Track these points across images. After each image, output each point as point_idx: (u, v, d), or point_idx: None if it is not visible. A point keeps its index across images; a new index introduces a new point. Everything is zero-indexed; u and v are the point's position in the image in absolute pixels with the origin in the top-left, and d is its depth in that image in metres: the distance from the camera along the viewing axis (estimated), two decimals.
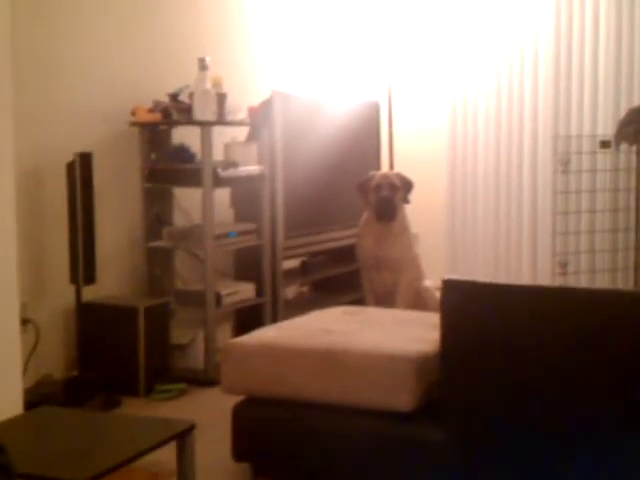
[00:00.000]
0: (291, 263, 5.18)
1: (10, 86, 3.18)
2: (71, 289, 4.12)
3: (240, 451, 3.17)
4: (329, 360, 3.04)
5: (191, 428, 2.30)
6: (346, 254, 5.23)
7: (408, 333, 3.23)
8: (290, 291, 5.40)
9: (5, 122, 3.17)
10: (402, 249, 4.64)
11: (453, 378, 2.82)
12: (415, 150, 5.99)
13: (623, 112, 5.17)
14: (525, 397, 2.71)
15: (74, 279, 4.09)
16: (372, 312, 3.85)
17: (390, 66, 5.99)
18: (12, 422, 2.26)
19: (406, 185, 4.68)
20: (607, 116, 5.50)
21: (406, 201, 4.69)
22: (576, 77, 5.60)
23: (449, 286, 2.85)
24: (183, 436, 2.28)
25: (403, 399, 2.91)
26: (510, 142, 5.81)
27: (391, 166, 5.87)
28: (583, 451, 2.64)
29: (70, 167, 4.06)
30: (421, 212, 5.35)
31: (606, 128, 5.42)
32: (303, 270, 5.32)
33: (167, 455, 2.41)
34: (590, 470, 2.63)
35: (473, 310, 2.81)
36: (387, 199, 4.60)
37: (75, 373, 4.14)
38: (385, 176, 4.72)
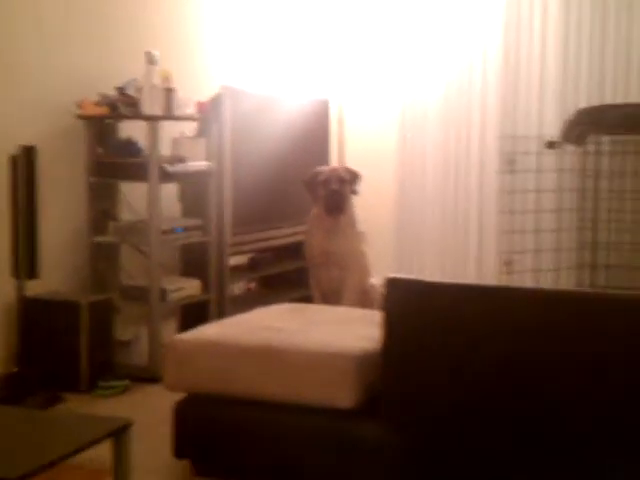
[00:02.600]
0: (239, 259, 5.16)
1: None
2: (13, 284, 4.05)
3: (181, 448, 3.15)
4: (271, 357, 3.03)
5: (127, 426, 2.27)
6: (294, 251, 5.23)
7: (352, 331, 3.23)
8: (237, 287, 5.38)
9: None
10: (351, 244, 4.65)
11: (394, 376, 2.84)
12: (364, 148, 6.00)
13: (570, 113, 5.23)
14: (465, 396, 2.73)
15: (16, 273, 4.03)
16: (317, 309, 3.85)
17: (340, 63, 5.99)
18: None
19: (353, 177, 4.70)
20: (554, 117, 5.57)
21: (354, 192, 4.70)
22: (523, 77, 5.66)
23: (392, 284, 2.86)
24: (118, 434, 2.26)
25: (344, 396, 2.91)
26: (458, 141, 5.85)
27: (341, 163, 5.88)
28: (528, 450, 2.66)
29: (13, 160, 3.99)
30: (369, 210, 5.36)
31: (553, 129, 5.48)
32: (250, 267, 5.30)
33: (109, 452, 2.38)
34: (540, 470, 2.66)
35: (415, 308, 2.83)
36: (336, 192, 4.60)
37: (15, 369, 4.08)
38: (333, 170, 4.74)
